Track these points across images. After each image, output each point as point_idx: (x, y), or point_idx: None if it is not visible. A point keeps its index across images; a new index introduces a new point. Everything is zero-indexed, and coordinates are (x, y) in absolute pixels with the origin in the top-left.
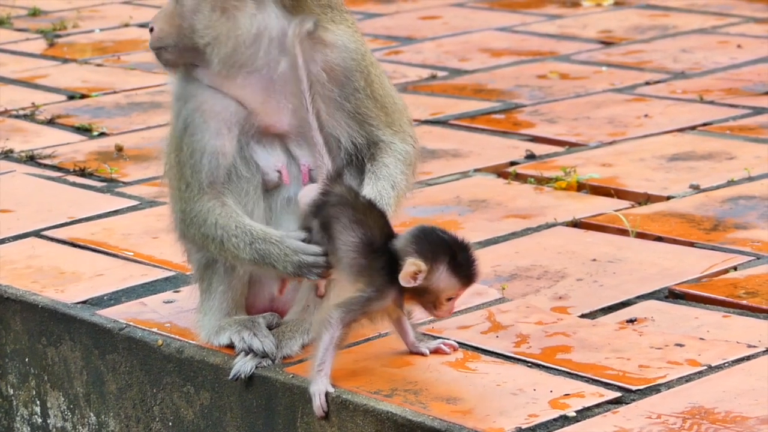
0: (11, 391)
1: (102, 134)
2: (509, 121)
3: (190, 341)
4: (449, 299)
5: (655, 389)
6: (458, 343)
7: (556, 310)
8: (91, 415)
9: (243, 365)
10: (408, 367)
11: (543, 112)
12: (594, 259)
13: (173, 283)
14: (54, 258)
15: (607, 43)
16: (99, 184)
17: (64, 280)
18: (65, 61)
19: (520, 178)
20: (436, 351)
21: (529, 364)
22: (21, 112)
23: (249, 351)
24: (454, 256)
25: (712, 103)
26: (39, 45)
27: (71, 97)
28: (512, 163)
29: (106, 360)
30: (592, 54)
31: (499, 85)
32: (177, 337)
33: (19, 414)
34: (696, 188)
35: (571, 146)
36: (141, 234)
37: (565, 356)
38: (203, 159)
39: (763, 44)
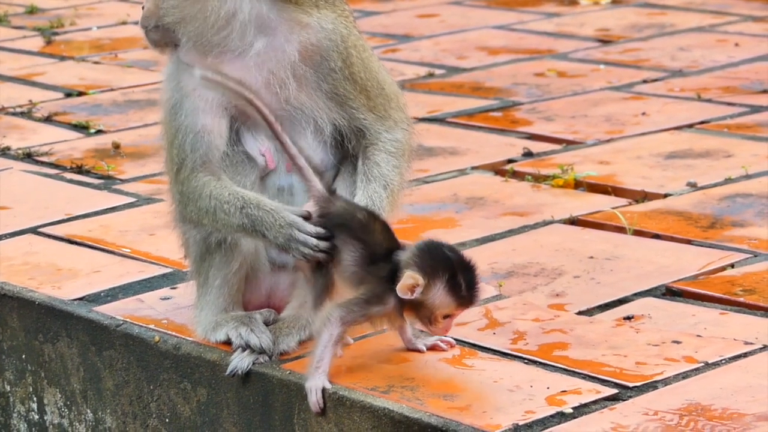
0: (8, 388)
1: (99, 131)
2: (506, 119)
3: (187, 338)
4: (446, 317)
5: (652, 386)
6: (455, 339)
7: (553, 307)
8: (88, 411)
9: (240, 361)
10: (405, 364)
11: (540, 110)
12: (591, 257)
13: (170, 279)
14: (51, 255)
15: (604, 42)
16: (96, 181)
17: (61, 277)
18: (62, 58)
19: (517, 175)
20: (433, 347)
21: (526, 361)
22: (18, 110)
23: (246, 347)
24: (454, 275)
25: (709, 101)
26: (36, 42)
27: (68, 95)
28: (509, 161)
29: (103, 357)
30: (589, 52)
31: (496, 83)
32: (174, 333)
33: (16, 411)
34: (693, 186)
35: (569, 144)
36: (138, 231)
37: (562, 353)
38: (189, 138)
39: (760, 43)
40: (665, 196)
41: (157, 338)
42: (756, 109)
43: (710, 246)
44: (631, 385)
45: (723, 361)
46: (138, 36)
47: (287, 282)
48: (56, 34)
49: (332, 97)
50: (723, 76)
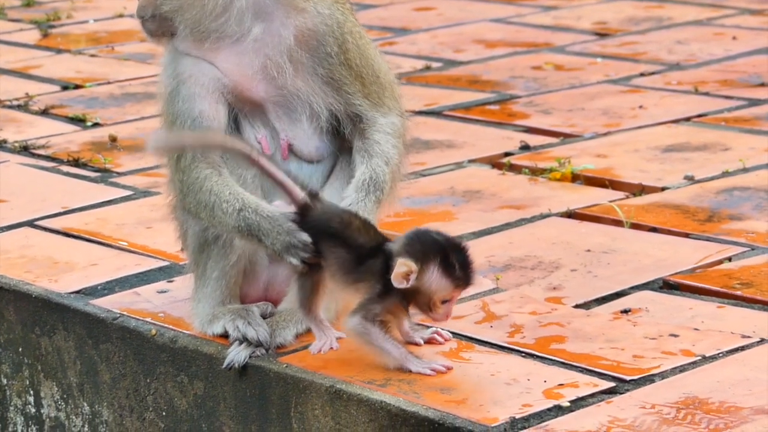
0: (5, 381)
1: (96, 125)
2: (504, 112)
3: (184, 331)
4: (444, 302)
5: (649, 379)
6: (452, 333)
7: (550, 300)
8: (85, 404)
9: (237, 354)
10: None
11: (537, 103)
12: (588, 250)
13: (167, 273)
14: (47, 248)
15: (601, 35)
16: (93, 174)
17: (58, 270)
18: (59, 51)
19: (514, 168)
20: (429, 341)
21: (523, 354)
22: (15, 103)
23: (243, 340)
24: (446, 257)
25: (707, 94)
26: (33, 35)
27: (65, 88)
28: (507, 154)
29: (100, 350)
30: (586, 45)
31: (493, 76)
32: (170, 326)
33: (12, 404)
34: (691, 179)
35: (566, 137)
36: (135, 224)
37: (559, 346)
38: (187, 123)
39: (758, 36)
40: (662, 189)
41: (153, 331)
42: (753, 103)
43: (707, 239)
44: (628, 378)
45: (720, 355)
46: (135, 29)
47: (285, 275)
48: (53, 26)
49: (328, 82)
50: (720, 69)
